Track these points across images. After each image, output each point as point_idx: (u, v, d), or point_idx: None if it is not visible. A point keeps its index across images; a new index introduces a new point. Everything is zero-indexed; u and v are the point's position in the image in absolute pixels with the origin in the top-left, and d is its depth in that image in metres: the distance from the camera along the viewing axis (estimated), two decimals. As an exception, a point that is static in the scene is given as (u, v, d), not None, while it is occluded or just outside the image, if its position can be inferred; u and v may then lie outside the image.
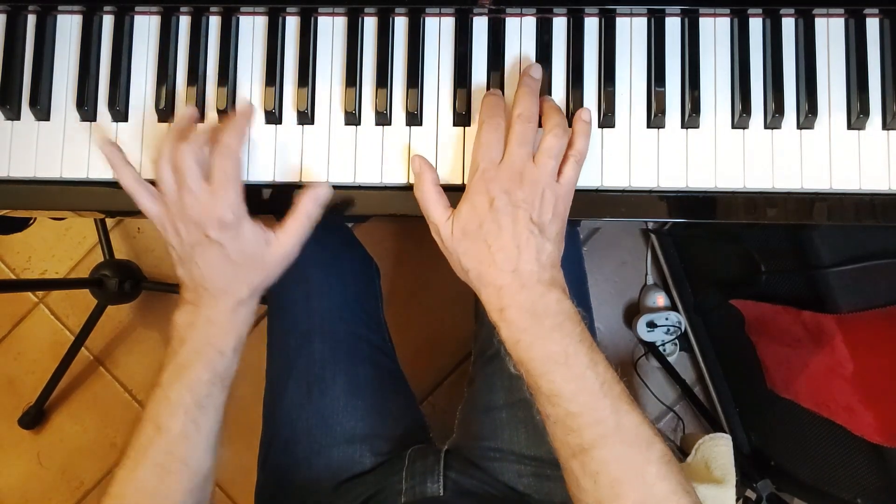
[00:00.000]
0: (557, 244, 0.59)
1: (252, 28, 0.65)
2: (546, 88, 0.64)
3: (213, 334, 0.60)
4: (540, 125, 0.61)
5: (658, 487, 0.52)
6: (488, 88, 0.64)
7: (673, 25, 0.64)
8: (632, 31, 0.64)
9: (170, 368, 0.60)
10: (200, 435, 0.59)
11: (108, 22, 0.65)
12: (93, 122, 0.65)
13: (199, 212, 0.59)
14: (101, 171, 0.64)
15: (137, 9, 0.65)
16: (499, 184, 0.57)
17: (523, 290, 0.56)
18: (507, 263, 0.56)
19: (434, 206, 0.60)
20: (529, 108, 0.59)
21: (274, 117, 0.64)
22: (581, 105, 0.63)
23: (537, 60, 0.64)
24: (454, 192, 0.62)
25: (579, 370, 0.54)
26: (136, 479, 0.57)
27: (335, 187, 0.65)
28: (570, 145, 0.60)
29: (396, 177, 0.64)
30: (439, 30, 0.65)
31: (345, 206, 0.66)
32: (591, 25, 0.64)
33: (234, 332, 0.62)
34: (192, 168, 0.59)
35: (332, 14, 0.65)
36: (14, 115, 0.65)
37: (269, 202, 0.65)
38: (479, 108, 0.61)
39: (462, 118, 0.64)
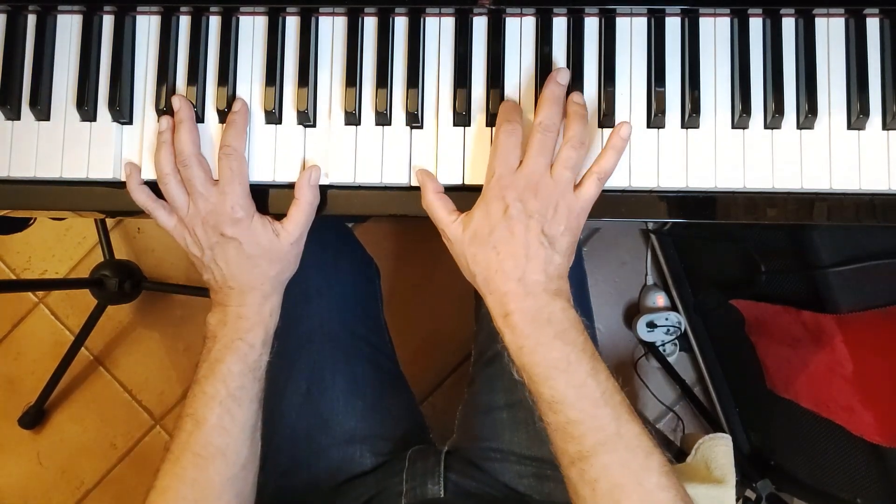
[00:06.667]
0: (567, 256, 0.59)
1: (252, 28, 0.65)
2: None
3: (243, 329, 0.64)
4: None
5: (657, 496, 0.52)
6: (488, 88, 0.64)
7: (673, 25, 0.64)
8: (632, 31, 0.64)
9: (205, 365, 0.64)
10: (236, 425, 0.62)
11: (108, 22, 0.65)
12: (93, 122, 0.65)
13: (212, 214, 0.62)
14: (101, 171, 0.64)
15: (138, 9, 0.65)
16: (514, 191, 0.57)
17: (528, 297, 0.57)
18: (514, 271, 0.57)
19: (439, 212, 0.61)
20: (551, 116, 0.59)
21: (274, 117, 0.64)
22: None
23: (537, 60, 0.64)
24: (454, 192, 0.63)
25: (581, 378, 0.55)
26: (178, 470, 0.60)
27: (335, 187, 0.65)
28: (597, 160, 0.60)
29: (396, 177, 0.64)
30: (439, 30, 0.65)
31: (345, 206, 0.66)
32: (591, 25, 0.64)
33: (262, 326, 0.65)
34: (199, 175, 0.62)
35: (332, 14, 0.65)
36: (14, 115, 0.65)
37: (269, 202, 0.65)
38: (498, 112, 0.61)
39: (462, 118, 0.63)
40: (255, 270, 0.64)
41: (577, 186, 0.59)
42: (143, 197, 0.64)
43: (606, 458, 0.53)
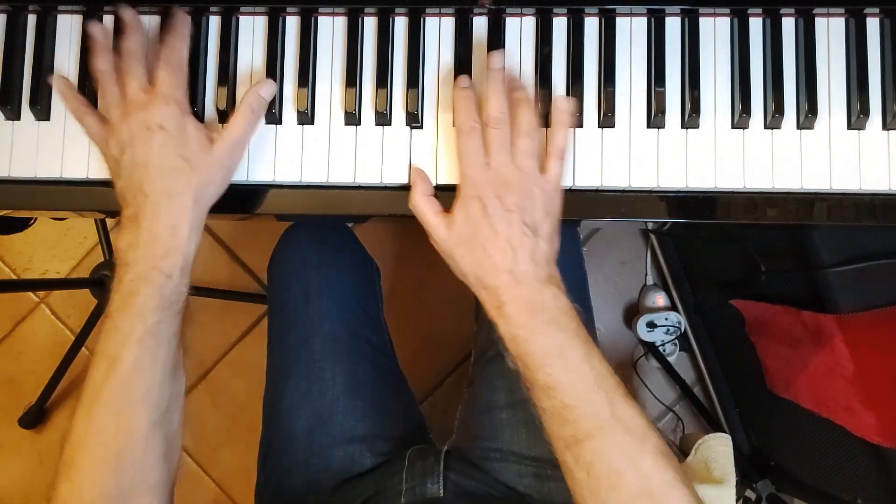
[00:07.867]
0: (551, 242, 0.60)
1: (252, 28, 0.65)
2: (547, 88, 0.64)
3: (158, 255, 0.58)
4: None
5: (654, 477, 0.52)
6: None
7: (673, 25, 0.64)
8: (632, 31, 0.64)
9: (117, 297, 0.58)
10: (157, 365, 0.56)
11: (108, 22, 0.65)
12: (93, 122, 0.65)
13: (142, 105, 0.59)
14: (101, 171, 0.64)
15: (137, 9, 0.65)
16: (489, 190, 0.59)
17: (520, 286, 0.57)
18: (503, 264, 0.58)
19: (426, 214, 0.61)
20: (499, 107, 0.60)
21: (274, 117, 0.64)
22: (580, 105, 0.63)
23: (537, 61, 0.64)
24: (454, 193, 0.63)
25: (575, 363, 0.55)
26: (95, 419, 0.54)
27: (335, 187, 0.65)
28: (549, 141, 0.61)
29: (396, 177, 0.64)
30: (439, 30, 0.65)
31: (345, 206, 0.66)
32: (591, 25, 0.64)
33: (179, 251, 0.59)
34: (136, 69, 0.60)
35: (332, 14, 0.65)
36: (14, 115, 0.65)
37: (268, 203, 0.65)
38: (453, 113, 0.62)
39: (462, 118, 0.63)
40: (175, 175, 0.58)
41: (542, 171, 0.60)
42: (76, 104, 0.63)
43: (601, 441, 0.53)
